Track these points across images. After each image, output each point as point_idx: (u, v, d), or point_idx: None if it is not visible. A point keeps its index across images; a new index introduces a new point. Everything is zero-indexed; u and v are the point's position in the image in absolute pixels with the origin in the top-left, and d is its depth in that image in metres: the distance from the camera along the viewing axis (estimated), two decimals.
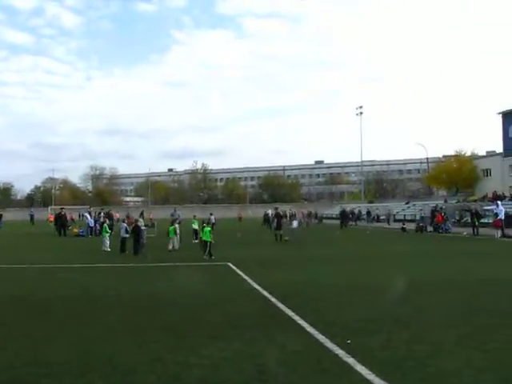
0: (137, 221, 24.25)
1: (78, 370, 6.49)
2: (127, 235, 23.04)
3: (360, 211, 64.30)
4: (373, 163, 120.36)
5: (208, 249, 20.13)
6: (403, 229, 39.86)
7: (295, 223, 31.57)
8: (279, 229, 30.04)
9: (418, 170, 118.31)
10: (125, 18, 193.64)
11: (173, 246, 23.83)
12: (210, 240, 20.25)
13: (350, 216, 55.67)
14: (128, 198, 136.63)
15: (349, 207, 64.64)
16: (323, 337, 7.81)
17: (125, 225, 23.86)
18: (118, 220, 41.43)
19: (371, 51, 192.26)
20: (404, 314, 9.57)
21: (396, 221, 52.36)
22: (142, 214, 44.31)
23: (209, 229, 20.85)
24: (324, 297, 11.60)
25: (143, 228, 25.22)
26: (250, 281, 14.02)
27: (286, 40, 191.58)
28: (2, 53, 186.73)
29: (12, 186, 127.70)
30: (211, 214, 37.07)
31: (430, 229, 38.46)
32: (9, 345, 7.74)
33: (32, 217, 67.36)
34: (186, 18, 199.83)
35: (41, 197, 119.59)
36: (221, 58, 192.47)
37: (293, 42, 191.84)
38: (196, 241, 27.10)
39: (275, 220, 31.50)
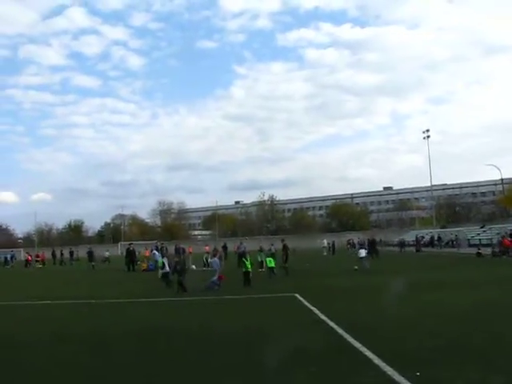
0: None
1: None
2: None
3: (432, 237, 62.39)
4: (444, 187, 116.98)
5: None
6: (479, 254, 38.19)
7: (363, 252, 30.89)
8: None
9: (493, 192, 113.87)
10: (187, 56, 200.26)
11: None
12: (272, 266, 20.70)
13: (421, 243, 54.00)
14: (196, 232, 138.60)
15: (420, 233, 62.83)
16: (391, 369, 7.50)
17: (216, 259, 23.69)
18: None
19: (436, 73, 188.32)
20: (477, 342, 9.07)
21: (471, 246, 50.32)
22: (225, 247, 45.51)
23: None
24: (392, 327, 11.21)
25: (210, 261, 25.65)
26: (317, 312, 13.77)
27: (347, 68, 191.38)
28: (71, 96, 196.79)
29: (83, 223, 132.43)
30: (272, 245, 38.08)
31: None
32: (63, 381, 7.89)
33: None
34: (247, 52, 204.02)
35: (111, 233, 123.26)
36: (283, 89, 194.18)
37: (354, 70, 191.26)
38: (262, 270, 27.41)
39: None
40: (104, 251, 57.77)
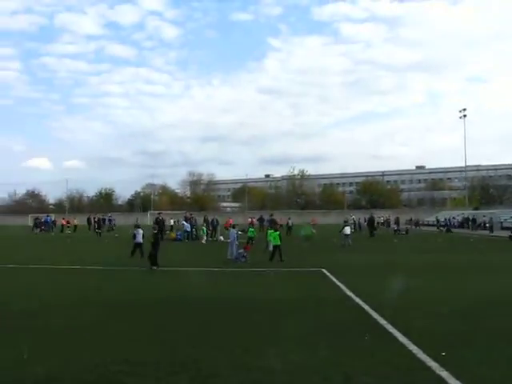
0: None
1: (165, 370, 6.62)
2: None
3: (466, 218, 61.43)
4: (478, 168, 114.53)
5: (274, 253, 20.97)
6: (511, 237, 37.49)
7: (348, 229, 31.36)
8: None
9: None
10: (222, 28, 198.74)
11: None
12: (278, 244, 20.97)
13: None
14: (225, 204, 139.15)
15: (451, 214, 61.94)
16: (415, 347, 7.45)
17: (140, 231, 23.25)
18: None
19: (474, 51, 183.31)
20: (504, 326, 8.94)
21: (503, 229, 49.40)
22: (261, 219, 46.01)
23: (278, 233, 21.57)
24: (419, 307, 11.08)
25: (240, 233, 25.73)
26: (343, 287, 13.75)
27: (383, 44, 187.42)
28: (105, 65, 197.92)
29: (113, 192, 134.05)
30: (289, 219, 38.55)
31: None
32: (102, 343, 8.09)
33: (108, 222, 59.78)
34: (282, 25, 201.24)
35: (141, 202, 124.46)
36: (317, 63, 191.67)
37: (391, 46, 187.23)
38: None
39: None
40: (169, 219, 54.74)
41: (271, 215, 33.29)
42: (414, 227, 57.55)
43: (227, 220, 40.72)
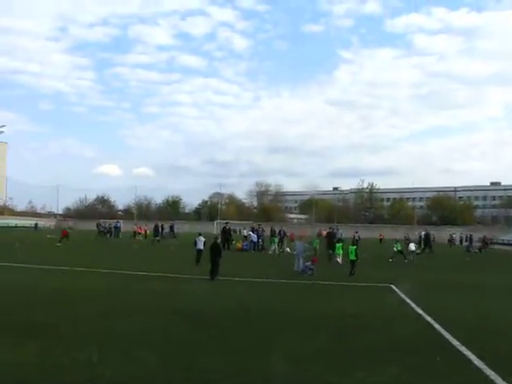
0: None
1: (232, 380, 6.59)
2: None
3: None
4: None
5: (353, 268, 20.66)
6: None
7: (412, 246, 31.12)
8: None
9: None
10: (292, 39, 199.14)
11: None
12: (355, 259, 20.70)
13: None
14: (292, 215, 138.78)
15: None
16: (493, 372, 7.06)
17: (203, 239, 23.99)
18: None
19: None
20: None
21: None
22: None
23: (354, 247, 21.09)
24: (495, 329, 10.57)
25: (307, 245, 25.64)
26: (413, 305, 13.32)
27: (458, 56, 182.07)
28: (176, 75, 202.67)
29: (180, 199, 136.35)
30: (356, 232, 37.80)
31: None
32: (167, 349, 8.18)
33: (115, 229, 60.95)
34: (354, 37, 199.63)
35: (207, 211, 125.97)
36: (389, 75, 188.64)
37: (466, 58, 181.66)
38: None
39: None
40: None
41: (330, 228, 32.92)
42: (482, 245, 54.07)
43: (298, 232, 40.51)
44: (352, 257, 20.74)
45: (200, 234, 24.69)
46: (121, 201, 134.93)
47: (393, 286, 17.06)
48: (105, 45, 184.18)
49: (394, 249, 30.38)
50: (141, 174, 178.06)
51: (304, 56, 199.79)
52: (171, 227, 61.81)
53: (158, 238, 47.08)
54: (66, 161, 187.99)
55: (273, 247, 35.75)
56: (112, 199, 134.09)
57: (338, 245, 27.73)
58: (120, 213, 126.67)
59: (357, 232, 43.72)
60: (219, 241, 21.20)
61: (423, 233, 44.83)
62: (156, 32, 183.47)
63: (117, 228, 61.86)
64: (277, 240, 36.06)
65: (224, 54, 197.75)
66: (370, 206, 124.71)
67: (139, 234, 57.82)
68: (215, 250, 18.93)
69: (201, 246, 23.49)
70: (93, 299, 13.24)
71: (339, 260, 26.81)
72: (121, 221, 71.93)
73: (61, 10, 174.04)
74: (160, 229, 58.63)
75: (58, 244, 37.10)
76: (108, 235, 57.97)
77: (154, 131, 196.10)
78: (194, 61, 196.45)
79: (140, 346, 8.34)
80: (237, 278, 18.74)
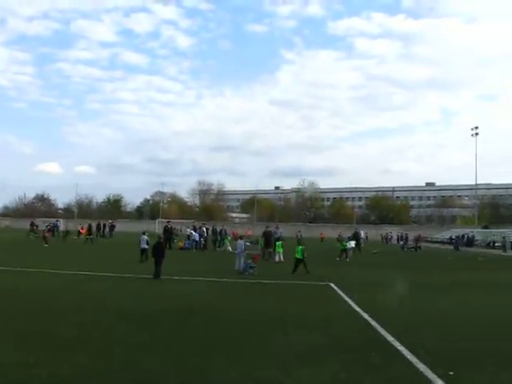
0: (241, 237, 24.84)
1: (172, 380, 6.64)
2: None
3: (473, 236, 61.12)
4: (489, 186, 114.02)
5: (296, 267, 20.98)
6: None
7: (352, 243, 32.05)
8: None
9: None
10: (236, 39, 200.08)
11: (279, 259, 26.95)
12: (301, 258, 21.09)
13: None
14: (234, 214, 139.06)
15: (461, 232, 61.60)
16: (423, 365, 7.41)
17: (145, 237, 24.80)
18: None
19: (487, 69, 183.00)
20: None
21: None
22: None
23: (301, 247, 21.49)
24: (427, 324, 11.04)
25: (248, 244, 25.95)
26: (350, 302, 13.70)
27: (397, 60, 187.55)
28: (119, 72, 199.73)
29: (122, 198, 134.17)
30: (299, 231, 39.42)
31: None
32: (107, 350, 8.10)
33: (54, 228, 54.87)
34: (297, 38, 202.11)
35: (149, 210, 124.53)
36: (330, 77, 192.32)
37: (404, 62, 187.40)
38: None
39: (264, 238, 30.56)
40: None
41: (267, 227, 33.38)
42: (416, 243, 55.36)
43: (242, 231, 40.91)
44: (298, 256, 21.11)
45: (144, 233, 24.84)
46: (61, 199, 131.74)
47: (332, 284, 17.45)
48: (46, 39, 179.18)
49: (341, 247, 31.20)
50: (82, 172, 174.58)
51: (247, 56, 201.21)
52: (111, 226, 60.75)
53: (91, 237, 45.41)
54: (4, 158, 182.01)
55: (224, 247, 36.32)
56: (52, 197, 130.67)
57: (278, 243, 28.21)
58: (60, 211, 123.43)
59: (299, 231, 44.54)
60: (162, 240, 21.17)
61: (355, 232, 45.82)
62: (99, 28, 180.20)
63: (56, 227, 59.89)
64: (230, 239, 36.32)
65: (167, 52, 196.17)
66: (310, 206, 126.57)
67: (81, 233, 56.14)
68: (158, 250, 18.84)
69: (144, 244, 23.62)
70: (31, 300, 12.91)
71: (280, 258, 27.26)
72: (61, 220, 70.08)
73: None
74: (101, 228, 57.55)
75: None
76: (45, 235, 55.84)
77: (96, 129, 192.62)
78: (137, 58, 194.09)
79: (79, 346, 8.23)
80: (178, 277, 18.67)
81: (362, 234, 57.81)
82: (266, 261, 27.12)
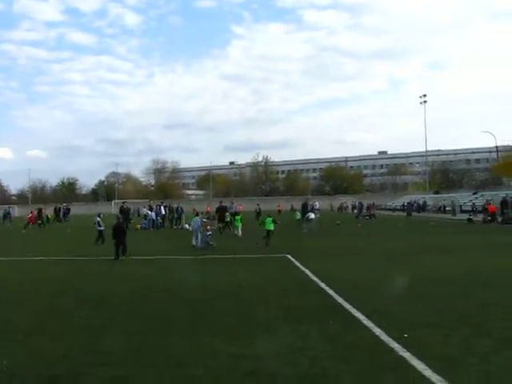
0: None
1: (132, 360, 6.64)
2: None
3: (425, 202, 62.77)
4: (438, 153, 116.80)
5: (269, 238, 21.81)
6: (469, 219, 38.54)
7: (312, 215, 31.97)
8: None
9: (487, 160, 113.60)
10: (185, 15, 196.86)
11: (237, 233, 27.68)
12: (271, 229, 22.09)
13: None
14: (190, 192, 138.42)
15: (413, 198, 63.17)
16: (379, 330, 7.63)
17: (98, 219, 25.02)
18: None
19: (434, 37, 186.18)
20: (466, 309, 9.19)
21: (463, 212, 50.62)
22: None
23: (271, 218, 22.70)
24: (382, 290, 11.32)
25: (205, 220, 25.93)
26: (307, 272, 13.91)
27: (346, 31, 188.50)
28: (67, 53, 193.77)
29: (77, 181, 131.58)
30: (258, 205, 41.02)
31: (499, 220, 36.91)
32: (66, 335, 8.02)
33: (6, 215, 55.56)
34: (246, 12, 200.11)
35: (105, 191, 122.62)
36: (281, 50, 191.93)
37: (353, 33, 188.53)
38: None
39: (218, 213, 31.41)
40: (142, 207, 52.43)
41: (220, 202, 33.68)
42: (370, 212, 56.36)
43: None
44: (270, 227, 22.03)
45: (99, 215, 24.74)
46: (14, 185, 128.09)
47: (289, 256, 17.66)
48: None
49: (296, 218, 31.82)
50: (34, 157, 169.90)
51: (197, 32, 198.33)
52: (66, 210, 59.55)
53: (39, 222, 44.55)
54: None
55: (181, 225, 36.86)
56: (5, 184, 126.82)
57: (237, 217, 28.79)
58: (14, 198, 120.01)
59: (258, 204, 44.87)
60: (121, 220, 21.13)
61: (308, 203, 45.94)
62: (43, 8, 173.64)
63: (9, 214, 58.05)
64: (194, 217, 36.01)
65: (115, 31, 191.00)
66: (265, 179, 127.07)
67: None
68: (119, 230, 18.80)
69: (98, 226, 23.66)
70: None
71: (238, 232, 27.63)
72: (14, 206, 68.25)
73: None
74: (58, 211, 56.31)
75: None
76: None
77: (47, 111, 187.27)
78: (84, 38, 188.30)
79: (37, 332, 8.12)
80: (136, 257, 18.52)
81: (317, 204, 58.58)
82: (220, 234, 27.71)
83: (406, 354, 6.50)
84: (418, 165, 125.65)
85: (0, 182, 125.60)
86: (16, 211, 62.34)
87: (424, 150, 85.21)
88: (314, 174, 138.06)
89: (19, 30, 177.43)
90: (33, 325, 8.68)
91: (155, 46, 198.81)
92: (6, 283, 13.68)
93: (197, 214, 24.78)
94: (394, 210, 69.02)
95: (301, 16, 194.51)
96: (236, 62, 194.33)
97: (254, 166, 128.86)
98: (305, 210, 35.57)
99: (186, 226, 35.53)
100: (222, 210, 30.88)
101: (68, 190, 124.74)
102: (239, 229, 27.87)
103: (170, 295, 11.26)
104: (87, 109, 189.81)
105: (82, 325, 8.59)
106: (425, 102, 79.29)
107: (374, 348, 6.87)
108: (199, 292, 11.56)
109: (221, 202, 33.18)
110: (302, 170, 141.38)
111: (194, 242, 22.02)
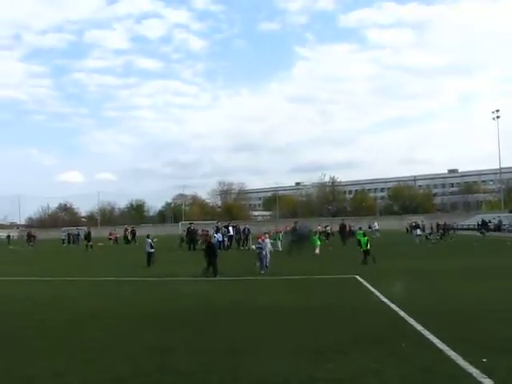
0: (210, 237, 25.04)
1: (201, 379, 6.63)
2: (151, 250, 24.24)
3: (500, 221, 60.14)
4: None
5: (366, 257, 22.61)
6: None
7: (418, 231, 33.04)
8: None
9: None
10: (249, 38, 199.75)
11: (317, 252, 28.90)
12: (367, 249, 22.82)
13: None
14: (256, 213, 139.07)
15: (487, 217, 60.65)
16: (455, 353, 7.29)
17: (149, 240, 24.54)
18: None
19: (503, 51, 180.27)
20: None
21: None
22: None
23: (366, 238, 23.54)
24: (457, 312, 10.86)
25: (271, 241, 25.77)
26: (377, 293, 13.57)
27: (412, 48, 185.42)
28: (134, 79, 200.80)
29: (144, 203, 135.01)
30: (326, 226, 40.27)
31: None
32: (136, 353, 8.13)
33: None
34: (309, 33, 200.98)
35: (172, 213, 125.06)
36: (346, 70, 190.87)
37: (419, 50, 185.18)
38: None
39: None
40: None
41: (295, 223, 34.41)
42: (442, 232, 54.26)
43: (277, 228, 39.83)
44: (364, 247, 22.70)
45: (148, 237, 24.70)
46: (84, 207, 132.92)
47: (358, 277, 17.32)
48: (60, 51, 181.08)
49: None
50: (103, 180, 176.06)
51: (261, 54, 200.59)
52: (132, 232, 60.95)
53: (91, 244, 43.76)
54: (26, 170, 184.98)
55: (247, 246, 37.15)
56: (75, 206, 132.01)
57: (315, 237, 30.93)
58: (83, 220, 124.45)
59: (327, 226, 44.75)
60: (211, 240, 21.59)
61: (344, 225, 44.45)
62: (112, 36, 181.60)
63: (77, 236, 60.13)
64: (281, 237, 35.99)
65: (181, 56, 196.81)
66: (332, 200, 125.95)
67: (109, 239, 57.22)
68: (210, 250, 19.34)
69: (148, 248, 23.71)
70: (56, 307, 13.05)
71: (317, 251, 29.25)
72: (83, 228, 70.64)
73: (13, 17, 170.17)
74: (128, 234, 57.84)
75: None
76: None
77: (115, 136, 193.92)
78: (151, 63, 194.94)
79: (106, 351, 8.29)
80: (225, 278, 18.70)
81: (376, 225, 59.38)
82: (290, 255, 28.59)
83: (486, 381, 6.16)
84: (491, 182, 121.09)
85: (71, 205, 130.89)
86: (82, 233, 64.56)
87: (497, 166, 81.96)
88: (382, 194, 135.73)
89: (89, 59, 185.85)
90: (100, 343, 8.90)
91: (220, 69, 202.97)
92: (79, 301, 14.11)
93: (267, 237, 23.85)
94: (467, 229, 66.45)
95: (364, 35, 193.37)
96: (301, 84, 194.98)
97: (321, 186, 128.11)
98: (296, 235, 32.68)
99: (253, 247, 35.64)
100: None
101: (136, 212, 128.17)
102: (318, 247, 29.51)
103: (236, 316, 11.28)
104: (154, 132, 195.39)
105: (151, 344, 8.70)
106: (498, 117, 76.51)
107: (451, 372, 6.55)
108: (267, 312, 11.49)
109: (295, 222, 34.19)
110: (369, 189, 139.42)
111: (262, 265, 21.29)
